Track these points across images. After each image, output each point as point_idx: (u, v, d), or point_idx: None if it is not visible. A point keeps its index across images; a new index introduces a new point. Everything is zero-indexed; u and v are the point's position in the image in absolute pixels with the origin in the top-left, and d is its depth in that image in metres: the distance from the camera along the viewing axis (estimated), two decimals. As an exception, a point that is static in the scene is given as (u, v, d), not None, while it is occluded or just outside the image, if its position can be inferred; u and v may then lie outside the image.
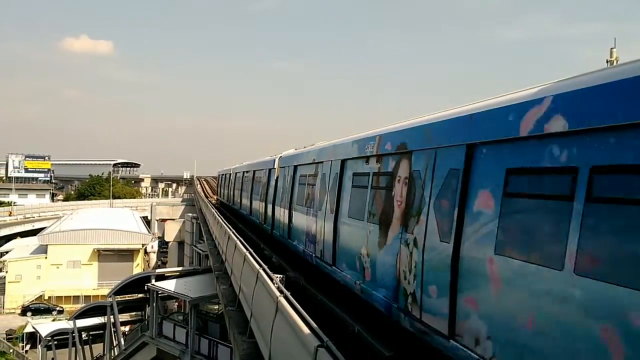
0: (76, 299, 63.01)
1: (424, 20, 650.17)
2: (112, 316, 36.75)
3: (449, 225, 5.54)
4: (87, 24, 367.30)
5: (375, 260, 7.70)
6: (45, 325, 46.52)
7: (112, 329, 37.97)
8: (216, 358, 26.66)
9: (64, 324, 44.74)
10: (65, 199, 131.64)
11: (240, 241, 15.91)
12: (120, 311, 37.71)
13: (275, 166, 17.57)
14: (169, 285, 30.53)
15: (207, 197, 54.60)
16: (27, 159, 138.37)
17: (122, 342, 36.97)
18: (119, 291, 36.69)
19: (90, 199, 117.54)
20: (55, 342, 42.01)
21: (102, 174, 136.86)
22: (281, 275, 11.30)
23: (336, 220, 9.94)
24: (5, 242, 77.98)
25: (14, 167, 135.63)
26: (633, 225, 3.45)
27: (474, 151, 5.38)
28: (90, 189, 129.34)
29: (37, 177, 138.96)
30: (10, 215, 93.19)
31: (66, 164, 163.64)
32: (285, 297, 8.22)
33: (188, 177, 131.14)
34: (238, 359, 11.89)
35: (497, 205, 4.81)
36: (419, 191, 6.48)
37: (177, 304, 44.33)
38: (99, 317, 39.84)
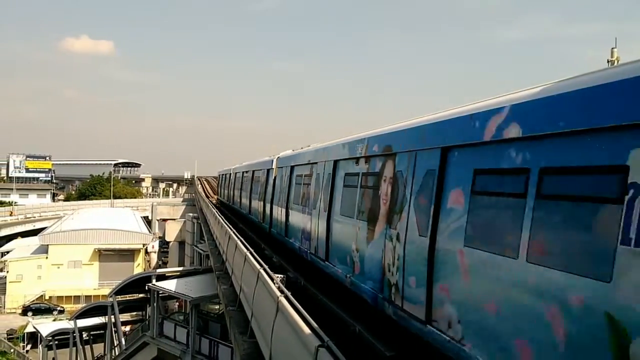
0: (77, 299, 63.00)
1: (424, 20, 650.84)
2: (112, 316, 36.81)
3: (426, 221, 6.11)
4: (88, 24, 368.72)
5: (363, 255, 8.23)
6: (46, 325, 46.55)
7: (113, 329, 38.01)
8: (217, 358, 26.66)
9: (65, 323, 44.75)
10: (66, 199, 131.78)
11: (241, 241, 15.95)
12: (121, 311, 37.81)
13: (273, 166, 17.92)
14: (170, 285, 30.48)
15: (207, 196, 54.62)
16: (28, 159, 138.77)
17: (123, 342, 37.02)
18: (119, 291, 36.69)
19: (91, 199, 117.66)
20: (56, 342, 41.97)
21: (103, 174, 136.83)
22: (282, 275, 11.39)
23: (329, 218, 10.44)
24: (6, 242, 78.15)
25: (15, 167, 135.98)
26: (574, 219, 3.95)
27: (448, 154, 5.95)
28: (91, 189, 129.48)
29: (38, 177, 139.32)
30: (11, 215, 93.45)
31: (67, 164, 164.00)
32: (286, 297, 8.32)
33: (189, 177, 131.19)
34: (239, 358, 11.90)
35: (466, 202, 5.37)
36: (401, 190, 7.03)
37: (177, 304, 44.33)
38: (100, 317, 39.99)
